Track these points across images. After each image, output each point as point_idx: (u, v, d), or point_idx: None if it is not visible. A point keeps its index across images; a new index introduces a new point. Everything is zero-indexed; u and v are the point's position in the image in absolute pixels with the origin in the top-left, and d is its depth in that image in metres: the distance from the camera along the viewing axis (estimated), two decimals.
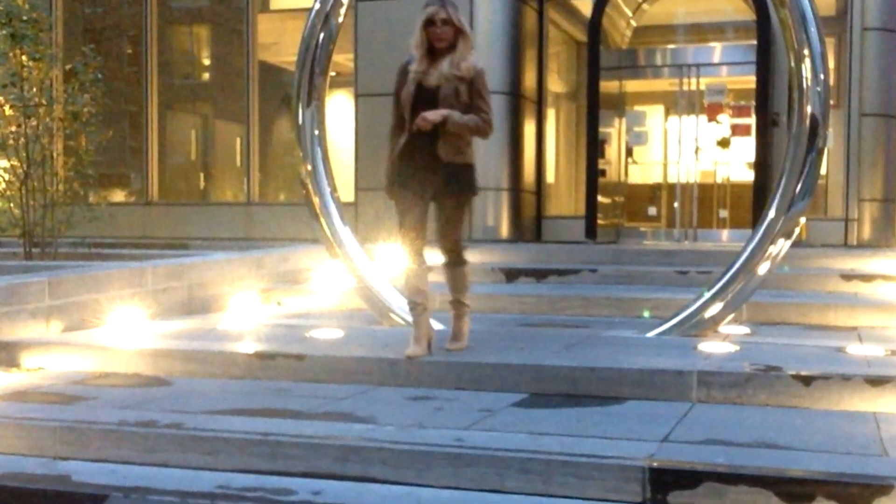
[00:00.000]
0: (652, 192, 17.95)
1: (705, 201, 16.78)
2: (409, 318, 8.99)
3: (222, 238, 16.10)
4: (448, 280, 7.40)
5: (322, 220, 9.17)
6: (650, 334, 8.34)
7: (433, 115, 6.81)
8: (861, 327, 9.15)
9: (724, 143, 16.64)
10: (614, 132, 16.60)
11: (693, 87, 16.54)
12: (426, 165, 6.97)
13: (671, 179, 17.18)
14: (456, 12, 6.98)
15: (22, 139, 12.13)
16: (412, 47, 7.05)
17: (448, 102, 6.90)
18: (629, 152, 17.20)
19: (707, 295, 8.38)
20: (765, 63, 14.67)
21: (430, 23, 6.93)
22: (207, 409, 6.24)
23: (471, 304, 7.51)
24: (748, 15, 15.47)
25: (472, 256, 13.13)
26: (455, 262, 7.33)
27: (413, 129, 6.88)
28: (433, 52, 6.99)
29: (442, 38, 6.93)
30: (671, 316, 8.52)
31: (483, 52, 15.02)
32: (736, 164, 16.87)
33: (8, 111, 12.25)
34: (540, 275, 12.01)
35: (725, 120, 16.56)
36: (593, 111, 15.51)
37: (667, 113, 19.13)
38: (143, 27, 17.79)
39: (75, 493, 5.25)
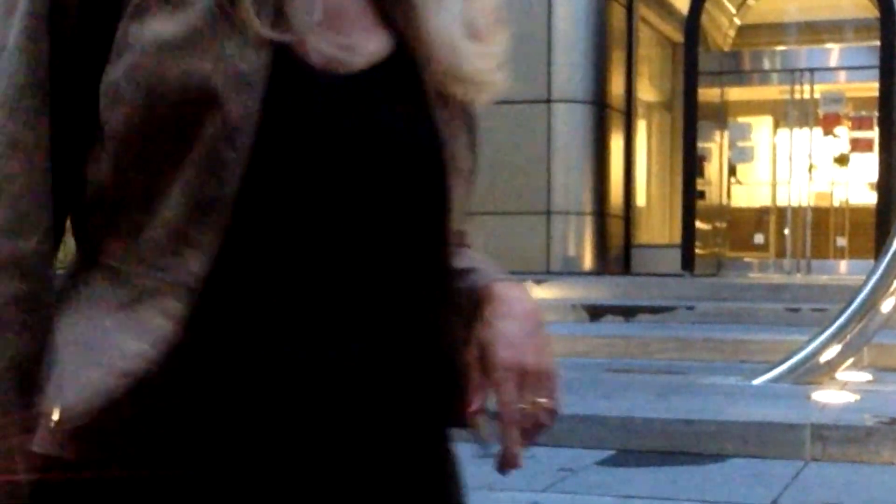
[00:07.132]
0: (758, 217, 17.90)
1: (820, 227, 16.72)
2: None
3: None
4: None
5: None
6: (757, 381, 8.33)
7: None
8: None
9: (842, 161, 16.58)
10: (715, 147, 16.59)
11: (806, 96, 16.50)
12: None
13: (781, 202, 17.14)
14: None
15: None
16: None
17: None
18: (732, 171, 17.18)
19: (822, 336, 8.36)
20: (889, 67, 14.62)
21: None
22: None
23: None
24: (870, 12, 15.42)
25: (549, 291, 13.24)
26: None
27: None
28: None
29: None
30: (781, 360, 8.51)
31: (563, 55, 15.07)
32: (856, 184, 16.80)
33: None
34: (629, 312, 12.02)
35: (844, 133, 16.50)
36: (691, 123, 15.50)
37: (776, 125, 19.06)
38: None
39: None
